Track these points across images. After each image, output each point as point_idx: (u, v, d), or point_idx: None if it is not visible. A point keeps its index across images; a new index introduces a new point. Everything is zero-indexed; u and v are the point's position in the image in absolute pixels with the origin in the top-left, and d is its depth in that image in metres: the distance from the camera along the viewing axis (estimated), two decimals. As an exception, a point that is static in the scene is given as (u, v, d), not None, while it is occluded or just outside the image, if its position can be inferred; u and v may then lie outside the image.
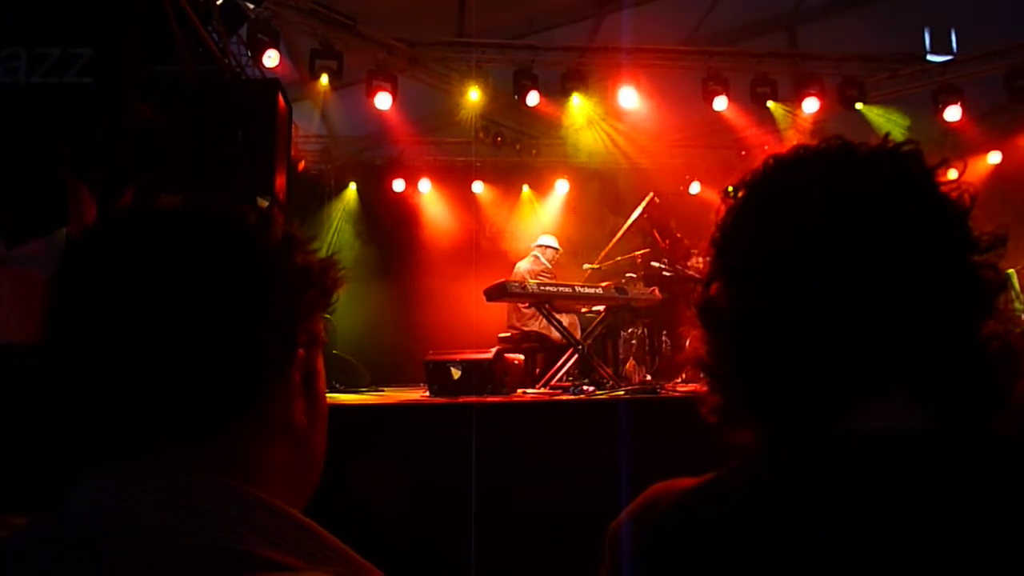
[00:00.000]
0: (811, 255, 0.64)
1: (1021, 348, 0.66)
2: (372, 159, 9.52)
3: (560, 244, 6.46)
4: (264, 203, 4.24)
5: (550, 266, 6.10)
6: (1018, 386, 0.64)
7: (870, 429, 0.63)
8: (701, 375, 0.73)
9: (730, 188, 0.73)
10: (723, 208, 0.73)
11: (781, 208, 0.68)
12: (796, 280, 0.64)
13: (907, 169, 0.67)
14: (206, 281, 0.63)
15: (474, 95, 7.54)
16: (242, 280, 0.65)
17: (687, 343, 0.77)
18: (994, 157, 8.71)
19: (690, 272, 5.55)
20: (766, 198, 0.70)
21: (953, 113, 7.64)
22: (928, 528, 0.57)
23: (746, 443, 0.69)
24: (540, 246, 6.24)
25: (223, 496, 0.60)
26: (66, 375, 0.63)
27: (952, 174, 0.69)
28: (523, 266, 6.13)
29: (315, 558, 0.62)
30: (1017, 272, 6.40)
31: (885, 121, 8.04)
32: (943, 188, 0.67)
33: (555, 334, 5.28)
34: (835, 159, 0.69)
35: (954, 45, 8.33)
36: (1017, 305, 6.34)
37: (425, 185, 9.28)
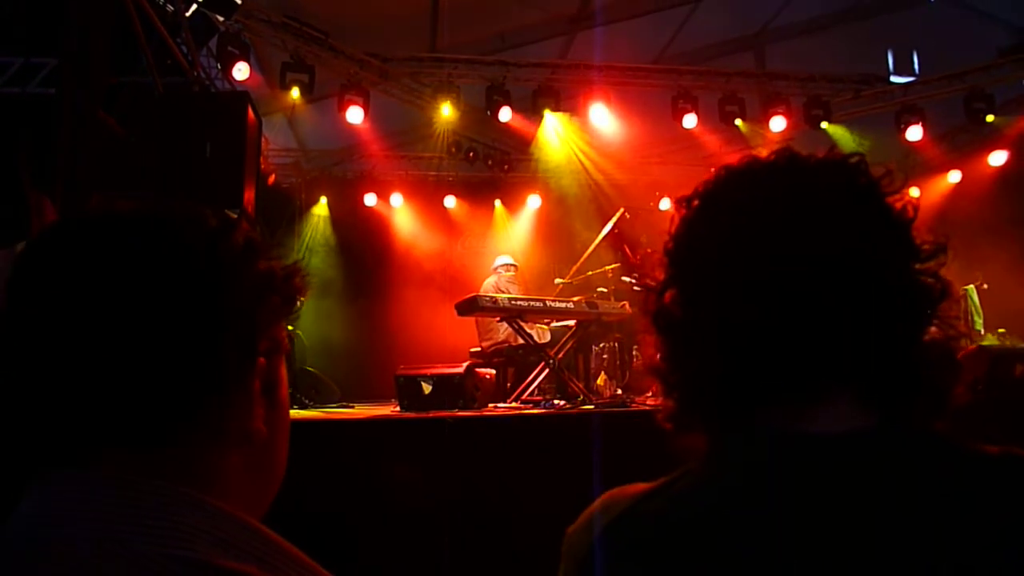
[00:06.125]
0: (760, 263, 0.66)
1: (959, 354, 0.68)
2: (343, 173, 9.50)
3: (531, 259, 6.59)
4: (233, 216, 4.19)
5: (514, 282, 6.28)
6: (956, 389, 0.66)
7: (813, 431, 0.65)
8: (656, 381, 0.74)
9: (683, 198, 0.74)
10: (676, 217, 0.75)
11: (732, 217, 0.70)
12: (745, 287, 0.66)
13: (853, 179, 0.70)
14: (160, 287, 0.62)
15: (446, 110, 7.57)
16: (199, 286, 0.63)
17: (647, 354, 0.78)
18: (954, 176, 8.94)
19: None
20: (718, 208, 0.72)
21: (915, 133, 7.83)
22: (867, 524, 0.59)
23: (699, 448, 0.70)
24: (501, 266, 6.43)
25: (176, 504, 0.59)
26: (12, 384, 0.61)
27: (901, 186, 0.71)
28: (489, 283, 6.25)
29: (274, 567, 0.60)
30: (976, 288, 6.57)
31: (850, 140, 8.21)
32: (887, 199, 0.69)
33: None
34: (784, 169, 0.71)
35: (916, 67, 8.56)
36: (976, 319, 6.50)
37: (397, 199, 9.27)
